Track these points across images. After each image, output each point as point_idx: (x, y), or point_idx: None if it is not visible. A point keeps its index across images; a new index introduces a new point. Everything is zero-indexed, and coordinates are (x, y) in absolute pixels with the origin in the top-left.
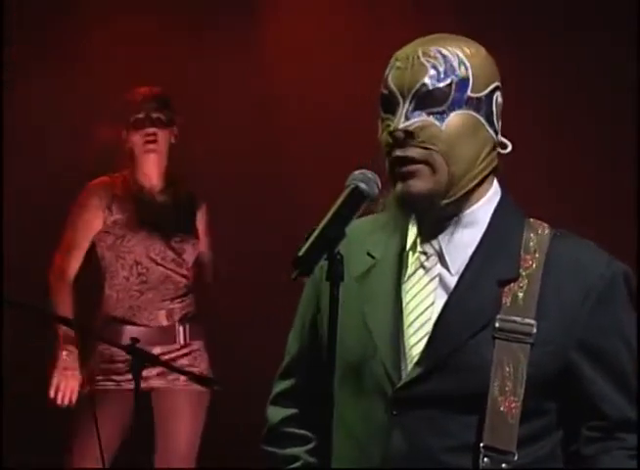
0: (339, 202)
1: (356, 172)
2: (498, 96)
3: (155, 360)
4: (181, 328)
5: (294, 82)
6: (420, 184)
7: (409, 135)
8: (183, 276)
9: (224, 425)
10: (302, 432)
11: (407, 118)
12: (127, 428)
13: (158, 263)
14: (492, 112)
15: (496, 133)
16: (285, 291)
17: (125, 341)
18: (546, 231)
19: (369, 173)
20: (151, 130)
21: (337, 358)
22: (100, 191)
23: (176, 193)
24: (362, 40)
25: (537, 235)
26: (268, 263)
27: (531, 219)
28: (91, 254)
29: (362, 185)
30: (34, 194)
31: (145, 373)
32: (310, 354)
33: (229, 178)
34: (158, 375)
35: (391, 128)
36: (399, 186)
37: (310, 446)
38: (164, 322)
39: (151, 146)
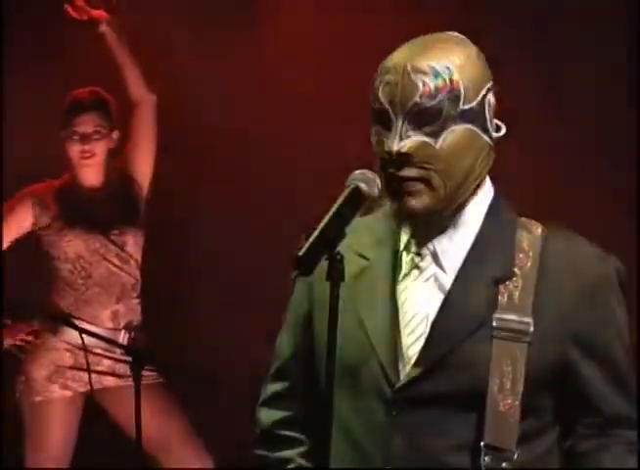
0: (339, 202)
1: (356, 172)
2: (490, 97)
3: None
4: (126, 336)
5: (294, 82)
6: (419, 203)
7: (405, 156)
8: (130, 275)
9: None
10: (295, 434)
11: (401, 139)
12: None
13: (101, 257)
14: (485, 117)
15: (491, 136)
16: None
17: (69, 337)
18: (539, 229)
19: (369, 173)
20: (87, 147)
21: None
22: (27, 199)
23: (113, 188)
24: (362, 40)
25: (530, 234)
26: (269, 264)
27: (523, 218)
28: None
29: (362, 185)
30: None
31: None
32: (304, 356)
33: (228, 178)
34: (108, 374)
35: (387, 149)
36: (398, 204)
37: (303, 448)
38: (109, 324)
39: (87, 161)
